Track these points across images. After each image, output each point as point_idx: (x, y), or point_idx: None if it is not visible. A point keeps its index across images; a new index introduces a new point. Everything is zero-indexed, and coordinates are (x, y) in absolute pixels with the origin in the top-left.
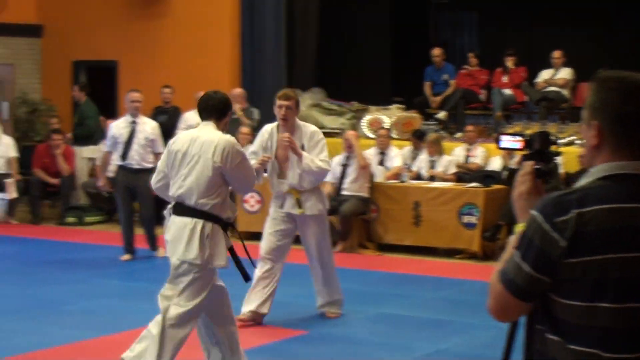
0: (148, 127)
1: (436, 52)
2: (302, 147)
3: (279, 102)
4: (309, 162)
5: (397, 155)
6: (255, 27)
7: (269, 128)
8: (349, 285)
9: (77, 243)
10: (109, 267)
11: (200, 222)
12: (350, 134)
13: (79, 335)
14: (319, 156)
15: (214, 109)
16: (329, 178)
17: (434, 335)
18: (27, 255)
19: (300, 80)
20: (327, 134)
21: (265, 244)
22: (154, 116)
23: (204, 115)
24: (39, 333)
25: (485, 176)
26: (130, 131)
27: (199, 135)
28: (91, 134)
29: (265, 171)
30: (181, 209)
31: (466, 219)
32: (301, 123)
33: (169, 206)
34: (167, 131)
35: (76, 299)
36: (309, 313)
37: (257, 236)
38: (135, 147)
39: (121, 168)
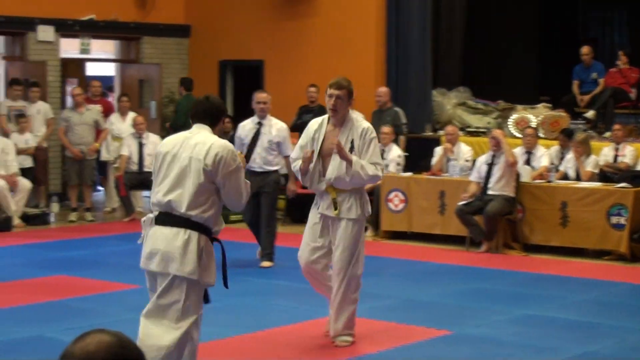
0: (274, 129)
1: (585, 50)
2: (352, 144)
3: (329, 90)
4: (359, 169)
5: (544, 155)
6: (400, 26)
7: (319, 120)
8: (494, 285)
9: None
10: (251, 265)
11: (195, 234)
12: (497, 132)
13: (222, 332)
14: (371, 159)
15: (207, 114)
16: (474, 177)
17: (581, 338)
18: None
19: (446, 79)
20: (472, 133)
21: (302, 255)
22: (299, 115)
23: (196, 120)
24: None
25: (634, 176)
26: (255, 133)
27: (191, 137)
28: (182, 127)
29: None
30: (169, 218)
31: (615, 219)
32: (354, 116)
33: (150, 215)
34: None
35: (221, 296)
36: (453, 313)
37: (400, 236)
38: (258, 150)
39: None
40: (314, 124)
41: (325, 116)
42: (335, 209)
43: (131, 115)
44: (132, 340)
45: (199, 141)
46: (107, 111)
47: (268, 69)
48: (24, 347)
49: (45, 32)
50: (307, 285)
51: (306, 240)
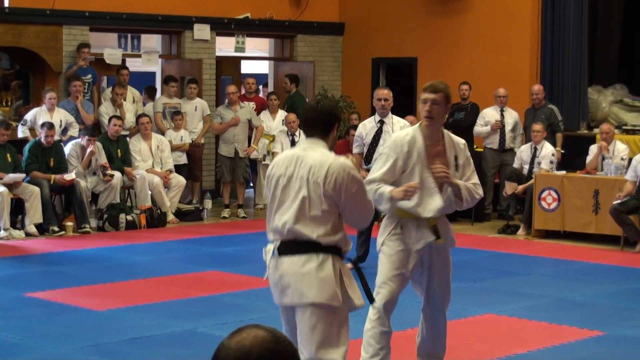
0: (397, 127)
1: None
2: (456, 160)
3: (423, 95)
4: (467, 194)
5: None
6: (556, 22)
7: (410, 132)
8: None
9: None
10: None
11: (328, 257)
12: None
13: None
14: (472, 179)
15: (316, 123)
16: (629, 176)
17: None
18: None
19: (602, 77)
20: (628, 131)
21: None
22: (451, 113)
23: (306, 130)
24: None
25: None
26: (376, 132)
27: (304, 156)
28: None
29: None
30: (296, 246)
31: None
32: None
33: (270, 246)
34: (465, 128)
35: None
36: (607, 313)
37: (553, 235)
38: (380, 150)
39: (366, 172)
40: (403, 140)
41: (414, 127)
42: (438, 237)
43: (281, 113)
44: (286, 336)
45: (315, 162)
46: (261, 108)
47: (421, 67)
48: (178, 341)
49: (202, 31)
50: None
51: (389, 275)
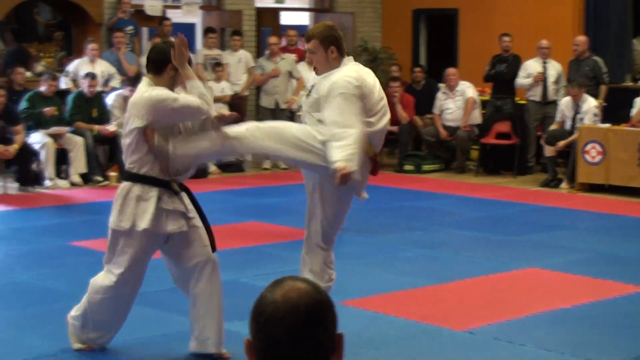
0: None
1: None
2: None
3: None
4: None
5: None
6: None
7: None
8: None
9: (414, 191)
10: (444, 216)
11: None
12: None
13: (413, 282)
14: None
15: (149, 62)
16: None
17: None
18: (369, 202)
19: None
20: None
21: None
22: (492, 65)
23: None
24: (374, 278)
25: None
26: None
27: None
28: None
29: None
30: None
31: None
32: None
33: None
34: (507, 80)
35: (411, 247)
36: None
37: (597, 188)
38: None
39: None
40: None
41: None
42: None
43: None
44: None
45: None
46: (302, 60)
47: (462, 18)
48: None
49: None
50: (495, 237)
51: None
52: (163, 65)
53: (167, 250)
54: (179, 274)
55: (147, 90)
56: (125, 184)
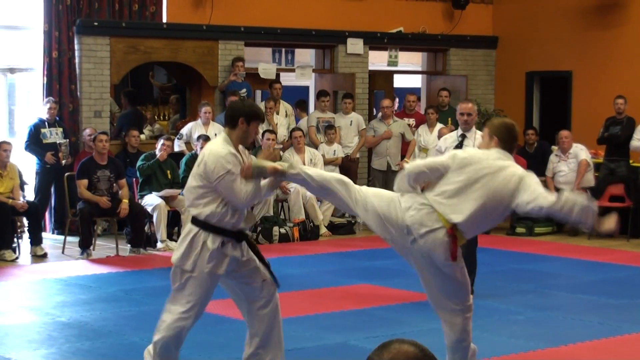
0: (478, 142)
1: None
2: None
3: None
4: None
5: None
6: None
7: None
8: None
9: (526, 253)
10: (556, 279)
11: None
12: None
13: (524, 345)
14: None
15: (225, 117)
16: None
17: None
18: (480, 265)
19: None
20: None
21: None
22: (606, 127)
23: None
24: (486, 341)
25: None
26: (457, 146)
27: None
28: None
29: None
30: None
31: None
32: None
33: None
34: (621, 143)
35: (523, 309)
36: None
37: None
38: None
39: None
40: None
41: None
42: None
43: (438, 126)
44: (430, 351)
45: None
46: (421, 124)
47: (576, 80)
48: (330, 354)
49: (355, 45)
50: (609, 300)
51: None
52: (235, 119)
53: (232, 277)
54: (246, 295)
55: (218, 149)
56: (193, 227)
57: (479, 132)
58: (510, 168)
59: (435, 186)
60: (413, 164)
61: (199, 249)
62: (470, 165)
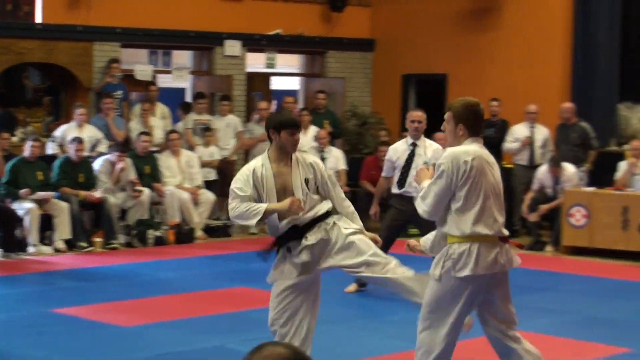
0: (429, 150)
1: None
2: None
3: None
4: None
5: None
6: (587, 38)
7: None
8: None
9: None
10: None
11: None
12: None
13: (398, 345)
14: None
15: None
16: None
17: None
18: None
19: (633, 92)
20: None
21: None
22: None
23: None
24: (360, 342)
25: None
26: (409, 155)
27: None
28: None
29: None
30: None
31: None
32: None
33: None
34: (494, 145)
35: (397, 309)
36: (635, 330)
37: (582, 251)
38: (413, 173)
39: (397, 196)
40: None
41: None
42: None
43: (313, 129)
44: (304, 351)
45: None
46: None
47: (451, 83)
48: (205, 358)
49: (232, 47)
50: None
51: None
52: (268, 133)
53: None
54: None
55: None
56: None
57: (428, 140)
58: None
59: None
60: None
61: None
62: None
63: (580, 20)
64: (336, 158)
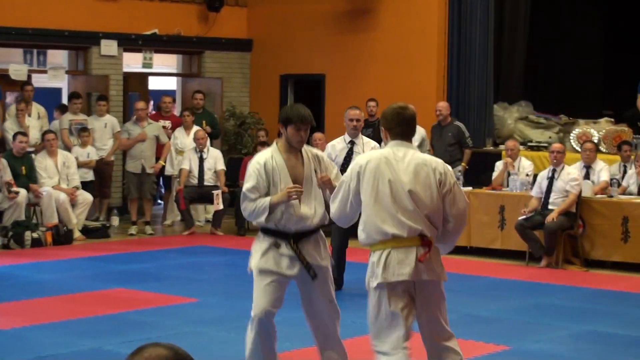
0: (367, 148)
1: None
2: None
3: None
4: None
5: (603, 169)
6: (462, 39)
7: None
8: (554, 301)
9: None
10: None
11: None
12: (555, 146)
13: (281, 346)
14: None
15: None
16: (535, 192)
17: None
18: (233, 266)
19: (508, 93)
20: (533, 148)
21: None
22: None
23: None
24: (242, 343)
25: None
26: (347, 153)
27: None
28: None
29: None
30: None
31: None
32: None
33: None
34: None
35: (280, 311)
36: (512, 328)
37: (460, 250)
38: None
39: None
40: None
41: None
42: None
43: (195, 129)
44: (187, 352)
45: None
46: (177, 127)
47: (329, 83)
48: (85, 359)
49: (109, 47)
50: None
51: None
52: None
53: None
54: None
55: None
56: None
57: (365, 138)
58: None
59: None
60: None
61: None
62: None
63: (455, 20)
64: (215, 158)
